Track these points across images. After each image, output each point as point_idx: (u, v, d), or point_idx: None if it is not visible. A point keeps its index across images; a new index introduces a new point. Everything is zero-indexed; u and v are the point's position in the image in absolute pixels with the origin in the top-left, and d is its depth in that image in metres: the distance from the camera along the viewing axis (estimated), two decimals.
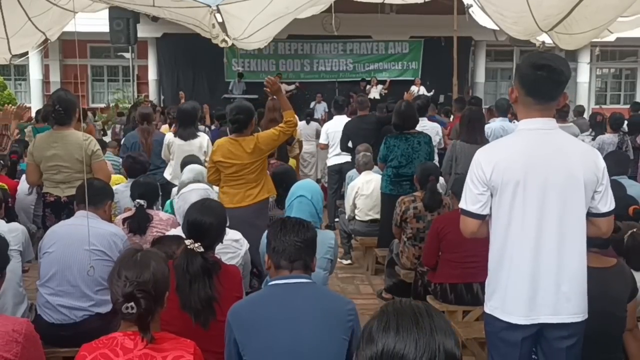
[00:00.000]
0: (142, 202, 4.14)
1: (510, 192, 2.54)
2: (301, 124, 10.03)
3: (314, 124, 10.44)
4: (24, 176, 6.18)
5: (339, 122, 7.99)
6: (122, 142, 7.26)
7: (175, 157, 6.18)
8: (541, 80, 2.52)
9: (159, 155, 6.49)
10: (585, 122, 10.30)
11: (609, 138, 7.85)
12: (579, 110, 11.84)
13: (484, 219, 2.64)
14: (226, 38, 7.41)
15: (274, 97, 5.49)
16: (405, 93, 7.60)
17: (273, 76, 17.35)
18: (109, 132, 14.86)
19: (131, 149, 6.52)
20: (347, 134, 7.24)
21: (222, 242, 3.16)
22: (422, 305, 1.33)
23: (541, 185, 2.52)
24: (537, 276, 2.53)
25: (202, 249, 2.84)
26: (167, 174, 6.33)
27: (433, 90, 15.10)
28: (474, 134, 5.84)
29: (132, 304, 2.08)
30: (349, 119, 7.96)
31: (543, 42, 6.62)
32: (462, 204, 2.67)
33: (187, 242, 2.86)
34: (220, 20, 6.74)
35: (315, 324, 2.34)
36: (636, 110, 10.57)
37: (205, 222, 2.94)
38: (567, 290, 2.54)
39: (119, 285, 2.12)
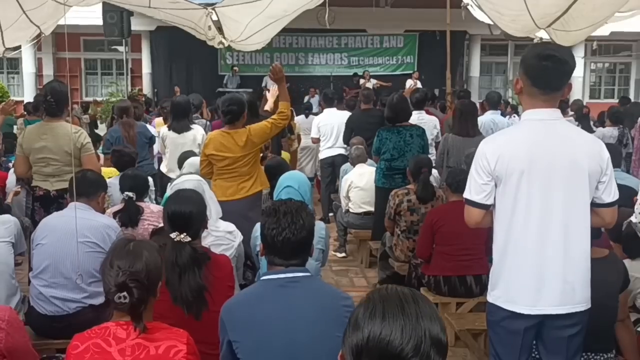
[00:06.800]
0: (130, 194, 4.13)
1: (515, 182, 2.55)
2: (300, 117, 10.05)
3: (312, 118, 10.40)
4: (12, 169, 6.17)
5: (330, 115, 8.00)
6: (105, 137, 7.25)
7: (169, 150, 6.23)
8: (546, 70, 2.53)
9: (143, 147, 6.51)
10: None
11: (609, 131, 7.91)
12: (578, 105, 11.86)
13: (488, 209, 2.65)
14: (223, 40, 7.40)
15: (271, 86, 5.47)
16: (402, 91, 7.60)
17: (268, 71, 17.39)
18: (102, 126, 14.87)
19: (115, 143, 6.51)
20: (352, 127, 7.19)
21: (207, 229, 3.16)
22: (408, 291, 1.33)
23: (545, 175, 2.53)
24: (542, 266, 2.54)
25: (189, 239, 2.84)
26: (164, 167, 6.37)
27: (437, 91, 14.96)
28: (465, 127, 5.85)
29: (125, 293, 2.07)
30: (340, 111, 7.96)
31: (540, 38, 6.63)
32: (467, 194, 2.68)
33: (173, 235, 2.84)
34: (215, 18, 6.73)
35: (310, 322, 2.29)
36: (625, 105, 10.63)
37: (185, 212, 2.93)
38: (572, 280, 2.55)
39: (111, 275, 2.11)
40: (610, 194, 2.63)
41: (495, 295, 2.66)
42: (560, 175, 2.53)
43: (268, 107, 6.22)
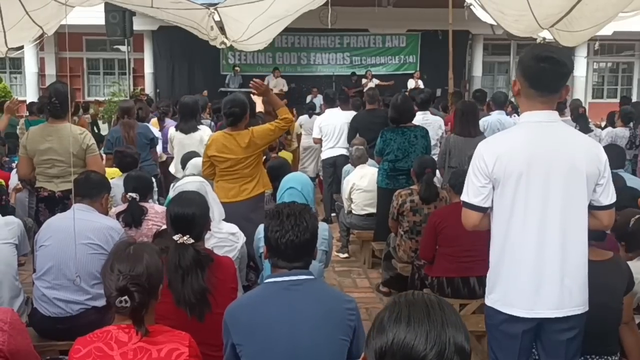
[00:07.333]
0: (134, 195, 4.14)
1: (513, 185, 2.54)
2: (303, 117, 10.06)
3: (316, 118, 10.41)
4: (15, 169, 6.18)
5: (331, 115, 7.98)
6: (107, 137, 7.26)
7: (176, 150, 6.26)
8: (544, 72, 2.52)
9: (143, 147, 6.50)
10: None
11: (622, 131, 7.98)
12: (577, 104, 11.84)
13: (486, 212, 2.64)
14: (225, 40, 7.40)
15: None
16: (405, 90, 7.58)
17: (270, 70, 17.33)
18: (103, 126, 14.86)
19: (115, 143, 6.52)
20: (356, 127, 7.17)
21: (210, 230, 3.16)
22: (434, 298, 1.33)
23: (544, 177, 2.52)
24: (541, 269, 2.53)
25: (191, 241, 2.84)
26: (172, 167, 6.41)
27: (440, 91, 14.96)
28: (467, 127, 5.84)
29: (126, 297, 2.07)
30: (343, 112, 7.94)
31: (544, 38, 6.63)
32: (464, 197, 2.67)
33: (176, 237, 2.84)
34: (217, 18, 6.73)
35: (313, 325, 2.29)
36: (626, 105, 10.62)
37: (189, 214, 2.92)
38: (570, 283, 2.54)
39: (112, 279, 2.11)
40: (608, 197, 2.62)
41: (494, 298, 2.65)
42: (559, 178, 2.52)
43: (260, 108, 6.21)
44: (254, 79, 5.00)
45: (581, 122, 8.93)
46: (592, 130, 8.78)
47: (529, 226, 2.53)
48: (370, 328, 1.31)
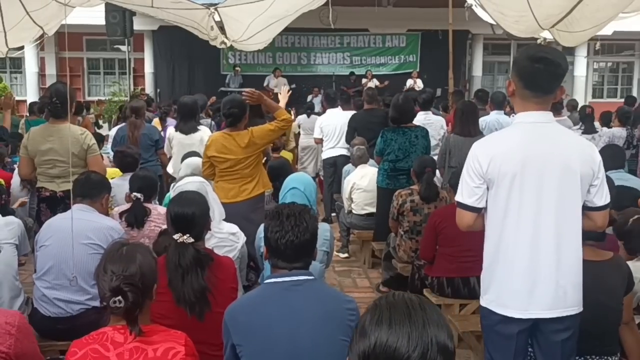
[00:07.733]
0: (138, 195, 4.13)
1: (507, 185, 2.54)
2: (302, 117, 10.07)
3: (314, 117, 10.44)
4: (17, 170, 6.18)
5: (332, 115, 7.96)
6: (112, 135, 7.26)
7: (175, 151, 6.22)
8: (539, 73, 2.52)
9: (147, 148, 6.47)
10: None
11: (619, 131, 7.96)
12: (573, 105, 11.85)
13: (480, 212, 2.64)
14: (225, 40, 7.40)
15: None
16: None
17: (270, 70, 17.28)
18: (105, 126, 14.88)
19: (120, 142, 6.51)
20: (355, 127, 7.15)
21: (210, 230, 3.17)
22: (415, 298, 1.32)
23: (538, 178, 2.52)
24: (534, 270, 2.53)
25: (191, 240, 2.84)
26: (170, 168, 6.38)
27: (440, 90, 14.90)
28: (467, 127, 5.85)
29: (120, 297, 2.07)
30: (344, 112, 7.94)
31: (544, 39, 6.64)
32: (459, 197, 2.67)
33: (176, 236, 2.85)
34: (217, 18, 6.73)
35: (314, 326, 2.29)
36: (631, 104, 10.62)
37: (188, 213, 2.93)
38: (565, 284, 2.54)
39: (105, 280, 2.11)
40: (602, 197, 2.62)
41: (488, 299, 2.65)
42: (553, 179, 2.52)
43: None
44: (245, 90, 4.98)
45: (587, 122, 8.92)
46: (597, 132, 8.76)
47: (523, 226, 2.53)
48: (353, 332, 1.31)
